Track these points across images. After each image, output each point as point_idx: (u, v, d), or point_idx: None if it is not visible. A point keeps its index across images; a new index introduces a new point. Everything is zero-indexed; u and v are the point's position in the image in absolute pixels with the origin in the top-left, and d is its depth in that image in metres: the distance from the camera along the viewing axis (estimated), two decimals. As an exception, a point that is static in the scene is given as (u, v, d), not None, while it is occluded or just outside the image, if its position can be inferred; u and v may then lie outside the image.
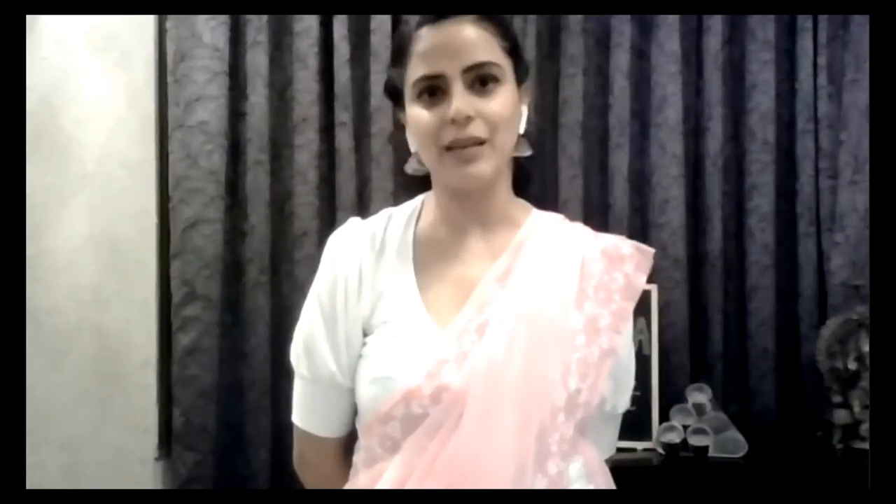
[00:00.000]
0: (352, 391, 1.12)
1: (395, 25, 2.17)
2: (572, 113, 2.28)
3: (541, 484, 1.02)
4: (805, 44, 2.33)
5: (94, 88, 2.11)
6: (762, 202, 2.33)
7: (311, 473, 1.22)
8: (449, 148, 1.08)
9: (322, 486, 1.19)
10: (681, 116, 2.29)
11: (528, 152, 1.17)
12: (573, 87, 2.28)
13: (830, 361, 2.14)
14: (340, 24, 2.17)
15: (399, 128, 1.19)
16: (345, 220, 1.20)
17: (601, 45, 2.33)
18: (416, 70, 1.09)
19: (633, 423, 1.98)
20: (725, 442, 2.07)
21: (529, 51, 2.18)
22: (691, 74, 2.34)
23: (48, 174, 2.09)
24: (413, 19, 1.14)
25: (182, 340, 2.07)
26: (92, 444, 2.09)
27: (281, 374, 2.05)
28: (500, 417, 1.01)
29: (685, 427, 2.08)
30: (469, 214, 1.15)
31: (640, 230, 2.30)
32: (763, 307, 2.31)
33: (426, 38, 1.09)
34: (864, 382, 2.09)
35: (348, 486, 1.12)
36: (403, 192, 1.26)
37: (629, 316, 1.14)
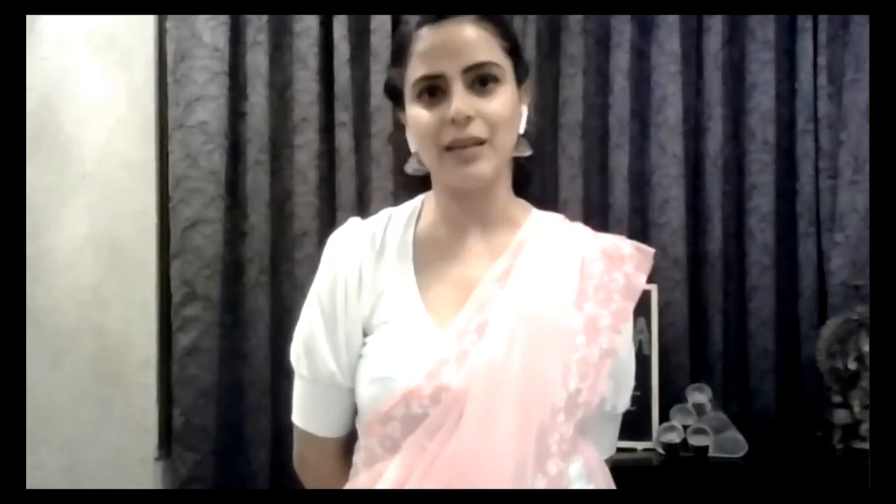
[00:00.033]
0: (352, 391, 1.12)
1: (395, 25, 2.17)
2: (572, 113, 2.28)
3: (541, 484, 1.02)
4: (805, 44, 2.33)
5: (94, 88, 2.11)
6: (762, 202, 2.33)
7: (311, 473, 1.22)
8: (449, 148, 1.08)
9: (322, 486, 1.19)
10: (681, 116, 2.29)
11: (528, 152, 1.17)
12: (573, 87, 2.28)
13: (830, 361, 2.14)
14: (340, 24, 2.17)
15: (399, 128, 1.19)
16: (345, 220, 1.20)
17: (601, 45, 2.33)
18: (416, 70, 1.09)
19: (633, 423, 1.98)
20: (725, 442, 2.07)
21: (529, 51, 2.18)
22: (691, 74, 2.34)
23: (48, 174, 2.09)
24: (413, 19, 1.14)
25: (182, 340, 2.07)
26: (92, 444, 2.09)
27: (281, 374, 2.05)
28: (500, 417, 1.01)
29: (685, 427, 2.08)
30: (469, 214, 1.15)
31: (640, 230, 2.30)
32: (763, 307, 2.31)
33: (426, 38, 1.09)
34: (864, 382, 2.09)
35: (348, 486, 1.12)
36: (403, 192, 1.26)
37: (629, 316, 1.14)
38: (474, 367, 1.03)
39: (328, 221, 2.14)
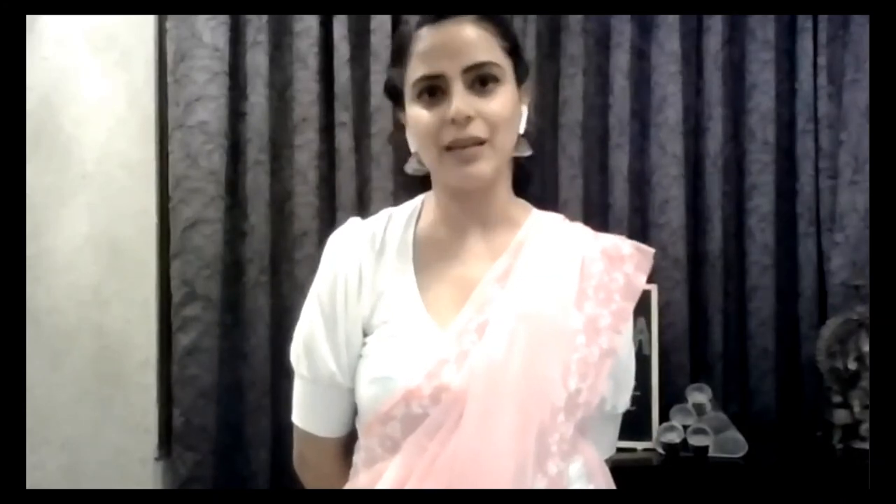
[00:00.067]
0: (352, 391, 1.12)
1: (395, 25, 2.17)
2: (572, 113, 2.28)
3: (541, 484, 1.02)
4: (805, 44, 2.33)
5: (94, 88, 2.11)
6: (762, 202, 2.33)
7: (311, 473, 1.22)
8: (449, 148, 1.08)
9: (322, 486, 1.19)
10: (681, 116, 2.29)
11: (527, 152, 1.17)
12: (573, 87, 2.28)
13: (830, 361, 2.14)
14: (340, 24, 2.17)
15: (399, 128, 1.19)
16: (345, 220, 1.20)
17: (601, 45, 2.33)
18: (416, 70, 1.09)
19: (633, 423, 1.98)
20: (725, 442, 2.07)
21: (529, 51, 2.18)
22: (691, 74, 2.34)
23: (48, 174, 2.09)
24: (413, 19, 1.14)
25: (182, 340, 2.07)
26: (92, 444, 2.09)
27: (281, 374, 2.05)
28: (499, 417, 1.01)
29: (685, 427, 2.08)
30: (469, 214, 1.15)
31: (640, 230, 2.30)
32: (763, 307, 2.31)
33: (426, 37, 1.09)
34: (864, 382, 2.09)
35: (348, 486, 1.12)
36: (403, 192, 1.26)
37: (629, 316, 1.13)
38: (474, 367, 1.03)
39: (328, 221, 2.14)
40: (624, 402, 1.19)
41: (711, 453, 2.05)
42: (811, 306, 2.31)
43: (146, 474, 2.10)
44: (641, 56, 2.33)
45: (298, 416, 1.18)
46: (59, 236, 2.10)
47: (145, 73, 2.13)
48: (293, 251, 2.17)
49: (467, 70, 1.07)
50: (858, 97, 2.27)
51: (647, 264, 1.15)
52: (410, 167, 1.19)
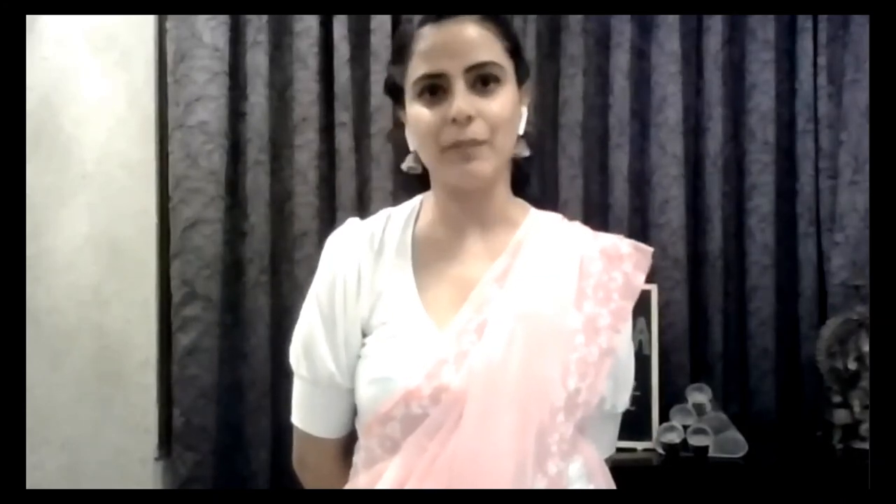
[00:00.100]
0: (351, 392, 1.12)
1: (395, 25, 2.17)
2: (572, 113, 2.28)
3: (541, 484, 1.02)
4: (805, 44, 2.34)
5: (94, 88, 2.11)
6: (762, 202, 2.33)
7: (311, 474, 1.22)
8: (449, 147, 1.08)
9: (322, 487, 1.19)
10: (681, 116, 2.29)
11: (526, 153, 1.17)
12: (573, 87, 2.28)
13: (830, 361, 2.14)
14: (340, 24, 2.17)
15: (398, 125, 1.19)
16: (345, 220, 1.20)
17: (601, 45, 2.33)
18: (417, 68, 1.09)
19: (633, 423, 1.98)
20: (725, 442, 2.07)
21: (529, 51, 2.18)
22: (691, 74, 2.34)
23: (48, 174, 2.09)
24: (415, 18, 1.14)
25: (182, 340, 2.07)
26: (92, 444, 2.09)
27: (281, 374, 2.05)
28: (499, 417, 1.01)
29: (685, 427, 2.08)
30: (468, 214, 1.15)
31: (640, 230, 2.30)
32: (763, 307, 2.31)
33: (428, 36, 1.09)
34: (864, 382, 2.09)
35: (348, 487, 1.12)
36: (403, 192, 1.26)
37: (628, 315, 1.13)
38: (473, 367, 1.03)
39: (328, 221, 2.14)
40: (623, 402, 1.18)
41: (711, 453, 2.05)
42: (811, 306, 2.31)
43: (146, 474, 2.10)
44: (641, 56, 2.34)
45: (298, 417, 1.18)
46: (59, 236, 2.10)
47: (145, 73, 2.13)
48: (293, 251, 2.17)
49: (469, 70, 1.07)
50: (858, 97, 2.27)
51: (646, 263, 1.15)
52: (406, 165, 1.19)
